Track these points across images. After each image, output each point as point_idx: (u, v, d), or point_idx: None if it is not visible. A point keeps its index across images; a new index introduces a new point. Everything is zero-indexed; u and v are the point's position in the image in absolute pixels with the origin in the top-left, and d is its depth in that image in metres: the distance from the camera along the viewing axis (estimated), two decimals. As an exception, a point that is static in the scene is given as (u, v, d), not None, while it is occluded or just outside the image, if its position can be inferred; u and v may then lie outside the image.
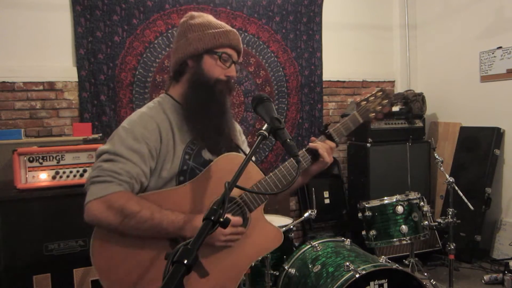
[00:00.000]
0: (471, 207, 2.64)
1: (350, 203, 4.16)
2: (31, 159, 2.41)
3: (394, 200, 2.75)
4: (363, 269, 1.88)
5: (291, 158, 1.32)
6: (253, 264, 2.40)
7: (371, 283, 1.90)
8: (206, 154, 1.39)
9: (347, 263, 1.95)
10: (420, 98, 4.08)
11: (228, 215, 1.28)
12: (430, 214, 2.76)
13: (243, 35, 3.85)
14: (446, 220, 2.64)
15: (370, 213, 2.77)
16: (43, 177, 2.44)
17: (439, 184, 4.18)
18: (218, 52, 1.36)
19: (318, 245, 2.29)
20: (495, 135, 3.67)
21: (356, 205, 2.97)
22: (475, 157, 3.78)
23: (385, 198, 2.78)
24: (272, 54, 4.00)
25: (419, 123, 4.11)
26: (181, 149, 1.34)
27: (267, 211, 1.45)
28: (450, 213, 2.64)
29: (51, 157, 2.46)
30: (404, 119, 4.07)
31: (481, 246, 3.65)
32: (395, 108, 4.06)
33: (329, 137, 1.46)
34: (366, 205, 2.80)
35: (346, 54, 4.38)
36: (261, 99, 1.23)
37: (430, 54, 4.48)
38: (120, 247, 1.25)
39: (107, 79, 3.37)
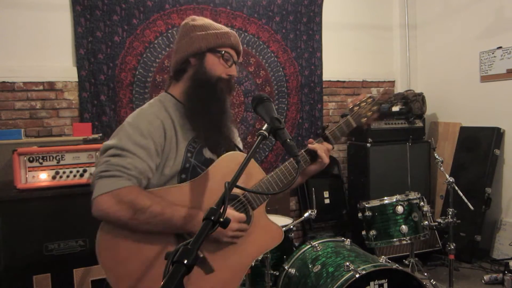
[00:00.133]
0: (471, 207, 2.64)
1: (350, 203, 4.16)
2: (31, 159, 2.41)
3: (394, 200, 2.74)
4: (363, 269, 1.88)
5: (291, 158, 1.37)
6: (253, 264, 2.40)
7: (371, 283, 1.90)
8: (207, 153, 1.40)
9: (347, 263, 1.95)
10: (420, 98, 4.08)
11: (233, 211, 1.32)
12: (430, 214, 2.76)
13: (243, 35, 3.85)
14: (446, 220, 2.64)
15: (370, 213, 2.77)
16: (43, 177, 2.44)
17: (439, 184, 4.18)
18: (221, 51, 1.39)
19: (318, 245, 2.29)
20: (495, 135, 3.67)
21: (356, 205, 2.97)
22: (475, 157, 3.78)
23: (385, 198, 2.78)
24: (272, 54, 4.00)
25: (419, 123, 4.11)
26: (184, 147, 1.34)
27: (267, 211, 1.47)
28: (450, 213, 2.64)
29: (51, 157, 2.46)
30: (404, 119, 4.07)
31: (481, 246, 3.65)
32: (395, 108, 4.06)
33: (326, 139, 1.51)
34: (366, 205, 2.80)
35: (346, 54, 4.38)
36: (261, 99, 1.24)
37: (430, 54, 4.48)
38: (127, 242, 1.24)
39: (107, 79, 3.37)
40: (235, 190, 1.32)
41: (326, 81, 4.26)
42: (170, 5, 3.57)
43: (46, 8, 3.22)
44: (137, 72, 3.49)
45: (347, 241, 2.36)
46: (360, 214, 2.86)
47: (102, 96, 3.36)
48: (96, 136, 2.86)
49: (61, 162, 2.48)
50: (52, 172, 2.45)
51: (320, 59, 4.21)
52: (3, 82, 3.13)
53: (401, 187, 3.47)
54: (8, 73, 3.13)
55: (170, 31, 3.58)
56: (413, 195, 2.79)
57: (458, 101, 4.16)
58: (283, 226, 2.45)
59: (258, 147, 1.10)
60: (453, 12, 4.18)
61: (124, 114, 3.43)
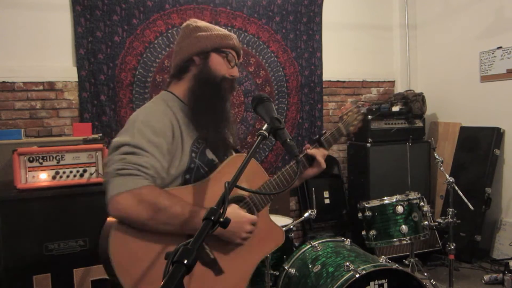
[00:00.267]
0: (471, 207, 2.65)
1: (350, 203, 4.16)
2: (31, 159, 2.41)
3: (394, 200, 2.75)
4: (363, 269, 1.88)
5: (292, 162, 1.45)
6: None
7: (371, 283, 1.90)
8: (209, 154, 1.39)
9: (347, 263, 1.95)
10: (420, 98, 4.08)
11: (246, 213, 1.33)
12: (430, 214, 2.77)
13: (243, 35, 3.85)
14: (446, 220, 2.64)
15: (370, 213, 2.77)
16: (43, 177, 2.44)
17: (439, 184, 4.18)
18: (225, 51, 1.40)
19: (318, 245, 2.29)
20: (495, 135, 3.67)
21: (356, 205, 2.97)
22: (475, 157, 3.78)
23: (385, 198, 2.78)
24: (272, 54, 4.00)
25: (419, 123, 4.11)
26: (188, 147, 1.33)
27: (267, 211, 1.49)
28: (450, 213, 2.64)
29: (51, 157, 2.46)
30: (404, 119, 4.08)
31: (481, 246, 3.65)
32: (395, 108, 4.07)
33: (321, 145, 1.57)
34: (366, 205, 2.80)
35: (346, 54, 4.38)
36: (261, 99, 1.25)
37: (430, 54, 4.48)
38: (141, 243, 1.20)
39: (107, 79, 3.37)
40: (241, 192, 1.36)
41: (326, 81, 4.26)
42: (170, 5, 3.57)
43: (46, 8, 3.22)
44: (137, 72, 3.49)
45: (347, 241, 2.36)
46: (360, 214, 2.86)
47: (102, 96, 3.36)
48: (96, 136, 2.86)
49: (61, 162, 2.48)
50: (52, 172, 2.45)
51: (320, 59, 4.21)
52: (3, 82, 3.13)
53: (401, 187, 3.47)
54: (8, 73, 3.13)
55: (170, 31, 3.58)
56: (413, 195, 2.79)
57: (458, 101, 4.16)
58: (283, 226, 2.46)
59: (258, 147, 1.10)
60: (453, 12, 4.18)
61: (124, 114, 3.43)
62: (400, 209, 2.71)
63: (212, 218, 0.85)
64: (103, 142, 2.76)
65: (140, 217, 1.16)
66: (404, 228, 2.68)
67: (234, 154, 1.50)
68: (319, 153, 1.53)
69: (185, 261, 0.75)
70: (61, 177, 2.47)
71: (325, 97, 4.26)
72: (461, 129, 4.04)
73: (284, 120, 3.96)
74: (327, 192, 4.15)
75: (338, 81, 4.35)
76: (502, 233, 3.66)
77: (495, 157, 3.67)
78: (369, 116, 3.91)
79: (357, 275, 1.84)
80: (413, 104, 4.04)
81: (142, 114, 1.30)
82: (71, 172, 2.49)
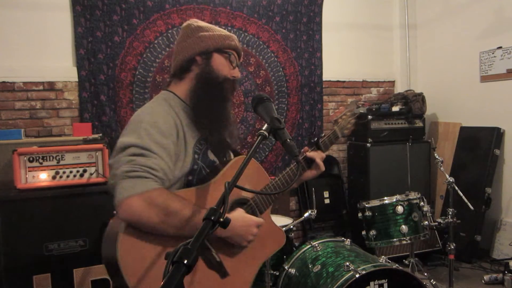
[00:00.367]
0: (471, 207, 2.64)
1: (350, 203, 4.16)
2: (31, 159, 2.42)
3: (394, 200, 2.75)
4: (363, 269, 1.89)
5: (293, 165, 1.47)
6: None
7: (371, 283, 1.90)
8: (211, 155, 1.38)
9: (347, 263, 1.95)
10: (420, 98, 4.08)
11: (253, 216, 1.33)
12: (430, 214, 2.77)
13: (243, 35, 3.85)
14: (446, 220, 2.64)
15: (370, 213, 2.77)
16: (43, 177, 2.44)
17: (439, 184, 4.18)
18: (228, 52, 1.40)
19: (318, 245, 2.29)
20: (495, 135, 3.67)
21: (356, 205, 2.97)
22: (475, 157, 3.78)
23: (385, 198, 2.78)
24: (272, 54, 4.00)
25: (419, 123, 4.11)
26: (191, 148, 1.32)
27: (267, 211, 1.49)
28: (450, 213, 2.64)
29: (51, 157, 2.46)
30: (404, 119, 4.07)
31: (481, 246, 3.65)
32: (395, 108, 4.07)
33: (319, 148, 1.60)
34: (366, 205, 2.80)
35: (346, 54, 4.38)
36: (261, 99, 1.25)
37: (430, 54, 4.48)
38: (150, 247, 1.17)
39: (107, 79, 3.37)
40: (245, 194, 1.37)
41: (326, 81, 4.26)
42: (170, 5, 3.57)
43: (46, 8, 3.22)
44: (137, 72, 3.49)
45: (347, 241, 2.36)
46: (360, 214, 2.86)
47: (102, 96, 3.36)
48: (96, 136, 2.86)
49: (61, 162, 2.48)
50: (52, 172, 2.46)
51: (320, 59, 4.21)
52: (3, 82, 3.13)
53: (401, 187, 3.47)
54: (8, 73, 3.13)
55: (170, 31, 3.58)
56: (413, 195, 2.79)
57: (458, 101, 4.16)
58: (283, 226, 2.46)
59: (258, 147, 1.10)
60: (453, 12, 4.18)
61: (124, 114, 3.43)
62: (400, 209, 2.71)
63: (212, 218, 0.85)
64: (103, 142, 2.76)
65: (151, 221, 1.14)
66: (404, 228, 2.68)
67: (232, 155, 1.50)
68: (318, 156, 1.55)
69: (185, 261, 0.75)
70: (61, 177, 2.47)
71: (325, 97, 4.26)
72: (461, 129, 4.04)
73: (284, 120, 3.96)
74: (327, 192, 4.15)
75: (338, 81, 4.35)
76: (502, 233, 3.66)
77: (495, 157, 3.67)
78: (369, 116, 3.91)
79: (357, 275, 1.84)
80: (413, 104, 4.04)
81: (147, 114, 1.27)
82: (71, 172, 2.49)
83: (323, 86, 4.24)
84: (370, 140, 3.89)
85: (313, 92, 4.18)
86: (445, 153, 4.13)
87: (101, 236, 2.52)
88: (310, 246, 2.33)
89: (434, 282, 2.85)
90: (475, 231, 3.59)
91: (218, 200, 0.90)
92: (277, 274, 2.36)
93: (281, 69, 4.04)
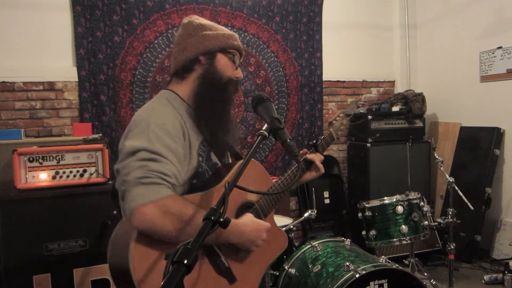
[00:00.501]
0: (471, 207, 2.65)
1: (350, 203, 4.16)
2: (31, 159, 2.42)
3: (394, 200, 2.75)
4: (363, 269, 1.88)
5: (294, 167, 1.47)
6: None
7: (371, 283, 1.90)
8: (214, 157, 1.36)
9: (347, 263, 1.95)
10: (420, 98, 4.08)
11: (262, 221, 1.31)
12: (430, 214, 2.77)
13: (243, 35, 3.85)
14: (446, 220, 2.64)
15: (370, 213, 2.77)
16: (43, 177, 2.44)
17: (439, 184, 4.18)
18: (232, 52, 1.37)
19: (318, 245, 2.29)
20: (495, 135, 3.67)
21: (356, 205, 2.97)
22: (475, 157, 3.78)
23: (385, 198, 2.78)
24: (272, 54, 4.00)
25: (419, 123, 4.11)
26: (196, 150, 1.28)
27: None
28: (450, 213, 2.64)
29: (51, 157, 2.46)
30: (404, 119, 4.08)
31: (481, 246, 3.65)
32: (395, 108, 4.07)
33: (317, 150, 1.61)
34: (366, 205, 2.80)
35: (346, 54, 4.38)
36: (261, 99, 1.24)
37: (430, 54, 4.48)
38: (163, 255, 1.11)
39: (107, 79, 3.37)
40: (251, 197, 1.35)
41: (326, 81, 4.26)
42: (170, 5, 3.57)
43: (46, 8, 3.22)
44: (137, 72, 3.49)
45: (347, 241, 2.36)
46: (360, 214, 2.86)
47: (102, 96, 3.36)
48: (96, 136, 2.86)
49: (61, 162, 2.48)
50: (52, 172, 2.46)
51: (320, 59, 4.21)
52: (3, 82, 3.13)
53: (401, 187, 3.47)
54: (8, 73, 3.13)
55: (170, 31, 3.58)
56: (413, 195, 2.79)
57: (458, 101, 4.16)
58: (283, 226, 2.46)
59: (258, 147, 1.10)
60: (453, 12, 4.18)
61: (124, 114, 3.43)
62: (400, 209, 2.71)
63: (212, 218, 0.85)
64: (103, 142, 2.76)
65: (165, 229, 1.08)
66: (404, 228, 2.68)
67: (230, 158, 1.49)
68: (317, 158, 1.56)
69: (185, 261, 0.75)
70: (61, 177, 2.47)
71: (325, 97, 4.26)
72: (461, 129, 4.04)
73: (284, 120, 3.96)
74: (327, 192, 4.15)
75: (338, 81, 4.35)
76: (502, 233, 3.66)
77: (495, 157, 3.67)
78: (369, 116, 3.91)
79: (357, 275, 1.84)
80: (413, 104, 4.04)
81: (154, 116, 1.21)
82: (71, 172, 2.49)
83: (323, 86, 4.24)
84: (370, 140, 3.89)
85: (313, 92, 4.18)
86: (445, 153, 4.13)
87: (101, 236, 2.51)
88: (310, 246, 2.33)
89: (434, 282, 2.85)
90: (475, 231, 3.59)
91: (218, 200, 0.90)
92: (277, 274, 2.36)
93: (281, 69, 4.04)
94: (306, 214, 2.54)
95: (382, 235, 2.73)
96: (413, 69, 4.63)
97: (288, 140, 1.13)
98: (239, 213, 1.29)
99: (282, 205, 3.73)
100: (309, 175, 1.59)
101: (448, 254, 2.66)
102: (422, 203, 2.79)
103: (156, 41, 3.54)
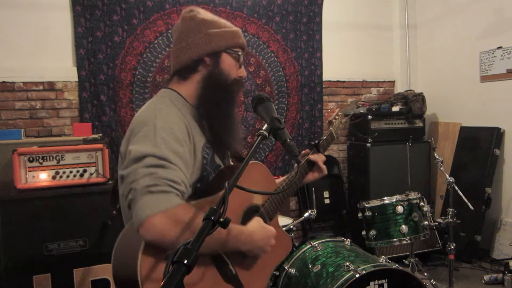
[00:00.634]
0: (471, 207, 2.65)
1: (350, 203, 4.16)
2: (31, 159, 2.42)
3: (394, 200, 2.75)
4: (363, 269, 1.88)
5: (296, 172, 1.46)
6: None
7: (371, 283, 1.90)
8: (217, 159, 1.33)
9: (347, 263, 1.95)
10: (420, 98, 4.08)
11: (271, 227, 1.27)
12: (430, 214, 2.77)
13: (243, 35, 3.85)
14: (446, 220, 2.64)
15: (370, 213, 2.77)
16: (43, 177, 2.44)
17: (439, 184, 4.18)
18: (237, 51, 1.33)
19: (318, 245, 2.29)
20: (495, 135, 3.67)
21: (356, 205, 2.97)
22: (475, 157, 3.78)
23: (385, 198, 2.78)
24: (272, 54, 4.00)
25: (419, 123, 4.11)
26: (200, 153, 1.23)
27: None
28: (450, 213, 2.64)
29: (51, 157, 2.46)
30: (404, 119, 4.08)
31: (481, 246, 3.65)
32: (395, 108, 4.07)
33: (319, 150, 1.60)
34: (366, 205, 2.80)
35: (346, 54, 4.38)
36: (261, 99, 1.23)
37: (430, 54, 4.48)
38: None
39: (107, 79, 3.37)
40: (256, 201, 1.33)
41: (326, 81, 4.26)
42: (170, 5, 3.57)
43: (46, 8, 3.22)
44: (137, 72, 3.49)
45: (347, 241, 2.36)
46: (360, 214, 2.86)
47: (102, 96, 3.36)
48: (96, 136, 2.86)
49: (61, 162, 2.48)
50: (52, 172, 2.46)
51: (320, 59, 4.21)
52: (3, 82, 3.13)
53: (401, 187, 3.47)
54: (8, 73, 3.13)
55: (170, 31, 3.58)
56: (413, 195, 2.79)
57: (458, 101, 4.16)
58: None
59: (258, 147, 1.09)
60: (453, 12, 4.18)
61: (124, 114, 3.43)
62: (400, 209, 2.71)
63: (212, 218, 0.85)
64: (103, 142, 2.76)
65: (176, 239, 1.02)
66: (404, 228, 2.68)
67: (230, 160, 1.47)
68: (320, 159, 1.55)
69: (185, 261, 0.75)
70: (61, 177, 2.47)
71: (325, 97, 4.26)
72: (461, 129, 4.04)
73: (284, 120, 3.96)
74: (327, 192, 4.15)
75: (338, 81, 4.35)
76: (502, 233, 3.66)
77: (495, 157, 3.67)
78: (369, 116, 3.91)
79: (357, 275, 1.84)
80: (413, 104, 4.04)
81: (160, 118, 1.15)
82: (71, 172, 2.49)
83: (323, 86, 4.24)
84: (370, 140, 3.89)
85: (313, 92, 4.18)
86: (445, 153, 4.13)
87: (101, 236, 2.51)
88: (310, 246, 2.33)
89: (434, 282, 2.85)
90: (475, 231, 3.59)
91: (218, 200, 0.89)
92: (277, 274, 2.36)
93: (281, 69, 4.04)
94: (306, 214, 2.54)
95: (382, 235, 2.72)
96: (413, 69, 4.63)
97: (288, 140, 1.12)
98: (245, 217, 1.26)
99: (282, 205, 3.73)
100: (312, 176, 1.58)
101: (448, 254, 2.66)
102: (422, 203, 2.79)
103: (156, 41, 3.54)
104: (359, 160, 4.02)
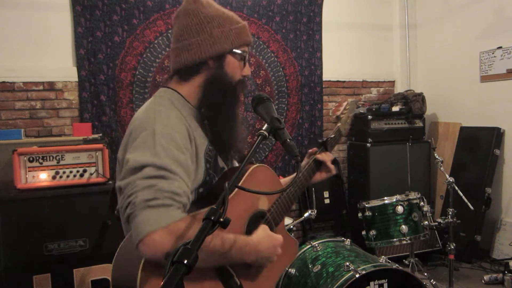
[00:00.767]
0: (471, 207, 2.65)
1: (350, 203, 4.16)
2: (31, 159, 2.42)
3: (394, 200, 2.75)
4: (363, 269, 1.88)
5: (303, 172, 1.43)
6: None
7: (371, 283, 1.90)
8: (221, 162, 1.29)
9: (347, 263, 1.95)
10: (420, 98, 4.08)
11: (278, 235, 1.23)
12: (430, 214, 2.77)
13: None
14: (446, 220, 2.64)
15: (370, 213, 2.77)
16: (43, 177, 2.44)
17: (439, 184, 4.18)
18: (242, 52, 1.26)
19: (318, 245, 2.29)
20: (495, 135, 3.67)
21: (356, 205, 2.97)
22: (475, 157, 3.78)
23: (385, 198, 2.78)
24: (272, 54, 4.00)
25: (419, 123, 4.11)
26: (202, 157, 1.18)
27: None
28: (450, 213, 2.64)
29: (51, 157, 2.46)
30: (404, 119, 4.08)
31: (481, 246, 3.65)
32: (395, 108, 4.07)
33: (327, 149, 1.56)
34: (366, 205, 2.81)
35: (346, 54, 4.38)
36: (261, 99, 1.21)
37: (430, 54, 4.48)
38: None
39: (107, 79, 3.37)
40: (262, 207, 1.27)
41: (326, 81, 4.26)
42: (170, 5, 3.57)
43: (46, 8, 3.22)
44: (137, 72, 3.49)
45: (347, 241, 2.36)
46: (360, 214, 2.86)
47: (102, 96, 3.36)
48: (96, 136, 2.86)
49: (61, 162, 2.48)
50: (52, 172, 2.46)
51: (320, 59, 4.21)
52: (3, 82, 3.13)
53: (401, 187, 3.47)
54: (8, 73, 3.13)
55: (170, 31, 3.58)
56: (413, 195, 2.79)
57: (458, 101, 4.16)
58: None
59: (258, 147, 1.09)
60: (453, 12, 4.18)
61: (124, 114, 3.43)
62: (400, 209, 2.71)
63: (212, 218, 0.85)
64: (103, 142, 2.76)
65: None
66: (404, 228, 2.68)
67: (235, 161, 1.41)
68: (328, 158, 1.50)
69: (185, 261, 0.75)
70: (61, 177, 2.47)
71: (325, 97, 4.25)
72: (461, 129, 4.04)
73: (284, 120, 3.96)
74: (327, 192, 4.15)
75: (338, 81, 4.35)
76: (502, 233, 3.65)
77: (495, 157, 3.67)
78: (369, 116, 3.91)
79: (357, 275, 1.84)
80: (413, 104, 4.04)
81: (159, 122, 1.09)
82: (71, 172, 2.49)
83: (323, 86, 4.24)
84: (370, 140, 3.89)
85: (313, 92, 4.18)
86: (445, 153, 4.13)
87: (101, 236, 2.51)
88: (310, 246, 2.33)
89: (434, 282, 2.85)
90: (475, 231, 3.59)
91: (218, 200, 0.89)
92: (277, 274, 2.36)
93: (281, 69, 4.04)
94: (306, 214, 2.54)
95: (382, 235, 2.73)
96: (413, 69, 4.63)
97: (288, 140, 1.11)
98: (251, 224, 1.22)
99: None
100: (319, 176, 1.53)
101: (448, 254, 2.66)
102: (422, 203, 2.79)
103: (156, 41, 3.54)
104: (359, 160, 4.02)
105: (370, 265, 1.93)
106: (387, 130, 3.99)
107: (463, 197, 2.65)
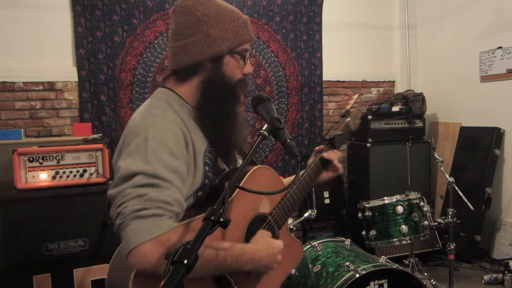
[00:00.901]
0: (471, 207, 2.65)
1: (350, 203, 4.16)
2: (31, 159, 2.42)
3: (394, 200, 2.75)
4: (363, 269, 1.88)
5: (308, 172, 1.40)
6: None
7: (371, 283, 1.90)
8: (221, 163, 1.26)
9: (347, 263, 1.95)
10: (420, 98, 4.08)
11: (279, 241, 1.20)
12: (430, 214, 2.77)
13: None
14: (446, 220, 2.64)
15: (370, 213, 2.77)
16: (43, 177, 2.44)
17: (439, 184, 4.18)
18: (242, 52, 1.21)
19: (318, 245, 2.29)
20: (495, 135, 3.67)
21: (356, 205, 2.97)
22: (475, 157, 3.78)
23: (385, 198, 2.78)
24: (272, 54, 4.00)
25: (419, 123, 4.11)
26: (201, 159, 1.15)
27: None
28: (450, 213, 2.64)
29: (51, 157, 2.46)
30: (404, 119, 4.08)
31: (481, 246, 3.65)
32: (395, 108, 4.07)
33: (334, 146, 1.51)
34: (366, 205, 2.80)
35: (346, 54, 4.38)
36: (261, 99, 1.20)
37: (430, 54, 4.48)
38: None
39: (107, 79, 3.37)
40: (263, 210, 1.24)
41: (326, 81, 4.26)
42: (170, 5, 3.56)
43: (46, 8, 3.22)
44: (137, 72, 3.49)
45: (347, 241, 2.36)
46: (360, 214, 2.86)
47: (102, 96, 3.36)
48: (96, 136, 2.86)
49: (61, 162, 2.48)
50: (52, 172, 2.46)
51: (320, 59, 4.21)
52: (3, 82, 3.13)
53: (401, 187, 3.47)
54: (8, 73, 3.13)
55: (170, 31, 3.57)
56: (413, 195, 2.79)
57: (458, 101, 4.16)
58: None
59: (258, 147, 1.08)
60: (453, 12, 4.18)
61: (124, 114, 3.43)
62: (400, 209, 2.71)
63: (212, 218, 0.85)
64: (103, 142, 2.76)
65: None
66: (404, 228, 2.68)
67: (239, 160, 1.38)
68: (335, 157, 1.46)
69: (185, 261, 0.75)
70: (61, 177, 2.47)
71: (325, 97, 4.26)
72: (461, 129, 4.04)
73: (284, 120, 3.96)
74: (327, 192, 4.14)
75: (338, 81, 4.35)
76: (502, 233, 3.65)
77: (495, 157, 3.67)
78: (369, 116, 3.91)
79: (357, 275, 1.84)
80: (413, 104, 4.04)
81: (152, 127, 1.06)
82: (71, 172, 2.49)
83: (323, 86, 4.24)
84: (370, 140, 3.89)
85: (313, 92, 4.18)
86: (445, 153, 4.13)
87: (101, 236, 2.51)
88: (310, 246, 2.33)
89: (434, 282, 2.85)
90: (475, 231, 3.59)
91: (218, 200, 0.89)
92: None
93: (281, 69, 4.04)
94: (306, 214, 2.54)
95: (382, 235, 2.73)
96: (413, 69, 4.63)
97: (288, 140, 1.10)
98: (250, 228, 1.18)
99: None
100: (326, 175, 1.49)
101: (448, 254, 2.66)
102: (422, 203, 2.79)
103: (156, 41, 3.54)
104: (359, 160, 4.02)
105: (370, 265, 1.93)
106: (387, 130, 3.99)
107: (463, 197, 2.65)
